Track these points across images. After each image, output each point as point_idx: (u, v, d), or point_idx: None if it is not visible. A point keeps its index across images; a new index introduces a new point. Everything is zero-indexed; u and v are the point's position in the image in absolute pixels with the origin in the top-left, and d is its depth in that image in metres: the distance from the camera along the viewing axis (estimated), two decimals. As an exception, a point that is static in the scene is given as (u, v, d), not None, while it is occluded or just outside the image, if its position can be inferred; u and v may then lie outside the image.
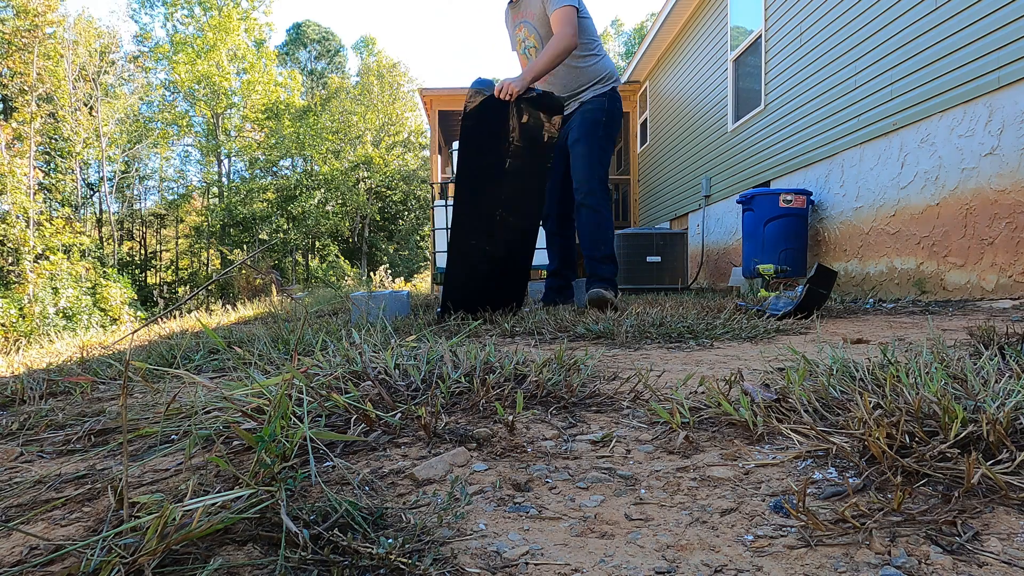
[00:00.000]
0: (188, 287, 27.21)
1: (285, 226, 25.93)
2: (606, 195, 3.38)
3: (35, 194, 18.62)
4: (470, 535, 0.66)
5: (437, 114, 11.35)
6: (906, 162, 4.65)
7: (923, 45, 4.41)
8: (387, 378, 1.27)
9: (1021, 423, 0.85)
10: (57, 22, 20.13)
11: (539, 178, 3.11)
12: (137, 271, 27.70)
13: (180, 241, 30.29)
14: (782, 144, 6.32)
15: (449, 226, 2.51)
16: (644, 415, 1.10)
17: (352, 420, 1.03)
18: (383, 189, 27.63)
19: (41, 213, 18.61)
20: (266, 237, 25.85)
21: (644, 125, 11.28)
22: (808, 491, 0.75)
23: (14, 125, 18.04)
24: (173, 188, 31.45)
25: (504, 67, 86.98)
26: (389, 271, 16.43)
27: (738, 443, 0.94)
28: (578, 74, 3.47)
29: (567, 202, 3.63)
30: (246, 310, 8.38)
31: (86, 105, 23.43)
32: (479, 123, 2.90)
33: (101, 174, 25.75)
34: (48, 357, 4.14)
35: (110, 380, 1.75)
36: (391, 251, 28.99)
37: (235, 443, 0.98)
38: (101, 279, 19.08)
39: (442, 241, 6.77)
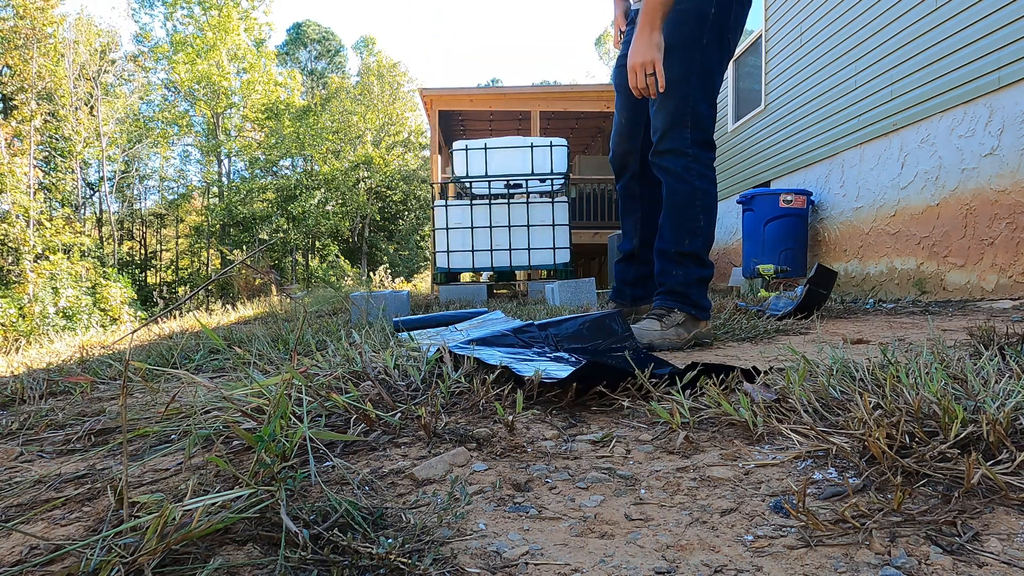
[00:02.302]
0: (188, 287, 27.21)
1: (285, 226, 25.93)
2: (703, 148, 2.05)
3: (35, 193, 18.62)
4: (470, 535, 0.66)
5: (437, 114, 11.35)
6: (906, 162, 4.65)
7: (923, 45, 4.41)
8: (387, 378, 1.27)
9: (1021, 423, 0.85)
10: (57, 21, 20.13)
11: None
12: (137, 271, 27.70)
13: (180, 241, 30.29)
14: (782, 144, 6.32)
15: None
16: (644, 415, 1.10)
17: (352, 420, 1.03)
18: (383, 189, 27.64)
19: (41, 213, 18.61)
20: (266, 237, 25.85)
21: (644, 125, 11.28)
22: (808, 491, 0.75)
23: (14, 124, 18.05)
24: (173, 188, 31.46)
25: (505, 67, 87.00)
26: (389, 271, 16.43)
27: (738, 443, 0.94)
28: None
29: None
30: (246, 310, 8.39)
31: (86, 104, 23.43)
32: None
33: (101, 174, 25.76)
34: (48, 357, 4.14)
35: (110, 380, 1.75)
36: (391, 251, 29.00)
37: (235, 443, 0.98)
38: (101, 279, 19.08)
39: (442, 241, 6.76)
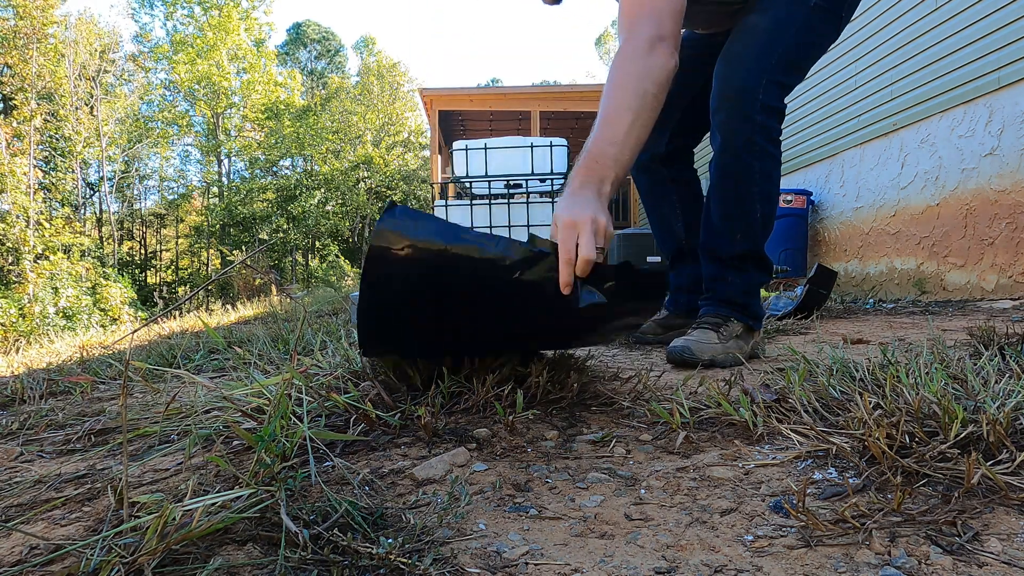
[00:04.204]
0: (188, 287, 27.21)
1: (285, 226, 25.92)
2: (772, 117, 1.65)
3: (35, 193, 18.61)
4: (470, 535, 0.66)
5: (437, 114, 11.35)
6: (906, 162, 4.65)
7: (923, 45, 4.41)
8: (387, 378, 1.27)
9: (1021, 423, 0.85)
10: (58, 22, 20.14)
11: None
12: (137, 271, 27.69)
13: (180, 241, 30.28)
14: (783, 144, 6.32)
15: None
16: (644, 415, 1.10)
17: (352, 420, 1.03)
18: (383, 189, 27.62)
19: (41, 213, 18.60)
20: (266, 237, 25.85)
21: (644, 125, 11.27)
22: (808, 491, 0.75)
23: (14, 124, 18.05)
24: (173, 188, 31.45)
25: (505, 67, 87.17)
26: (389, 271, 16.39)
27: (738, 443, 0.94)
28: None
29: (699, 127, 1.93)
30: (246, 310, 8.38)
31: (86, 104, 23.44)
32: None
33: (101, 174, 25.76)
34: (48, 357, 4.14)
35: (110, 380, 1.75)
36: (391, 251, 28.92)
37: (235, 443, 0.98)
38: (101, 279, 19.07)
39: (442, 241, 6.75)
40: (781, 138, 1.75)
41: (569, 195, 1.21)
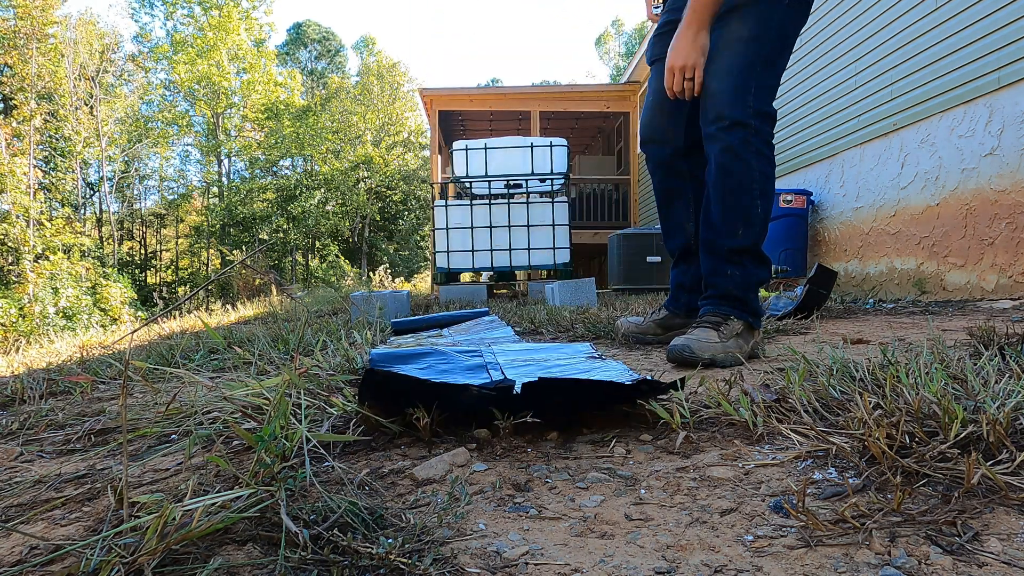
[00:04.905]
0: (188, 287, 27.20)
1: (285, 226, 25.92)
2: (765, 121, 1.76)
3: (35, 194, 18.61)
4: (470, 535, 0.66)
5: (437, 114, 11.35)
6: (906, 162, 4.65)
7: (923, 45, 4.41)
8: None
9: (1021, 423, 0.85)
10: (58, 22, 20.14)
11: None
12: (137, 271, 27.69)
13: (180, 241, 30.28)
14: (782, 144, 6.32)
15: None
16: (644, 415, 1.10)
17: (352, 420, 1.03)
18: (383, 189, 27.62)
19: (41, 213, 18.60)
20: (266, 237, 25.84)
21: (644, 125, 11.25)
22: (808, 491, 0.75)
23: (14, 124, 18.05)
24: (173, 188, 31.45)
25: (505, 67, 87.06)
26: (389, 271, 16.42)
27: (738, 443, 0.94)
28: None
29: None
30: (246, 310, 8.38)
31: (86, 104, 23.44)
32: None
33: (101, 174, 25.75)
34: (48, 357, 4.14)
35: (110, 380, 1.75)
36: (391, 251, 28.97)
37: (235, 443, 0.98)
38: (101, 279, 19.07)
39: (442, 241, 6.76)
40: (780, 138, 1.82)
41: (678, 37, 1.74)
